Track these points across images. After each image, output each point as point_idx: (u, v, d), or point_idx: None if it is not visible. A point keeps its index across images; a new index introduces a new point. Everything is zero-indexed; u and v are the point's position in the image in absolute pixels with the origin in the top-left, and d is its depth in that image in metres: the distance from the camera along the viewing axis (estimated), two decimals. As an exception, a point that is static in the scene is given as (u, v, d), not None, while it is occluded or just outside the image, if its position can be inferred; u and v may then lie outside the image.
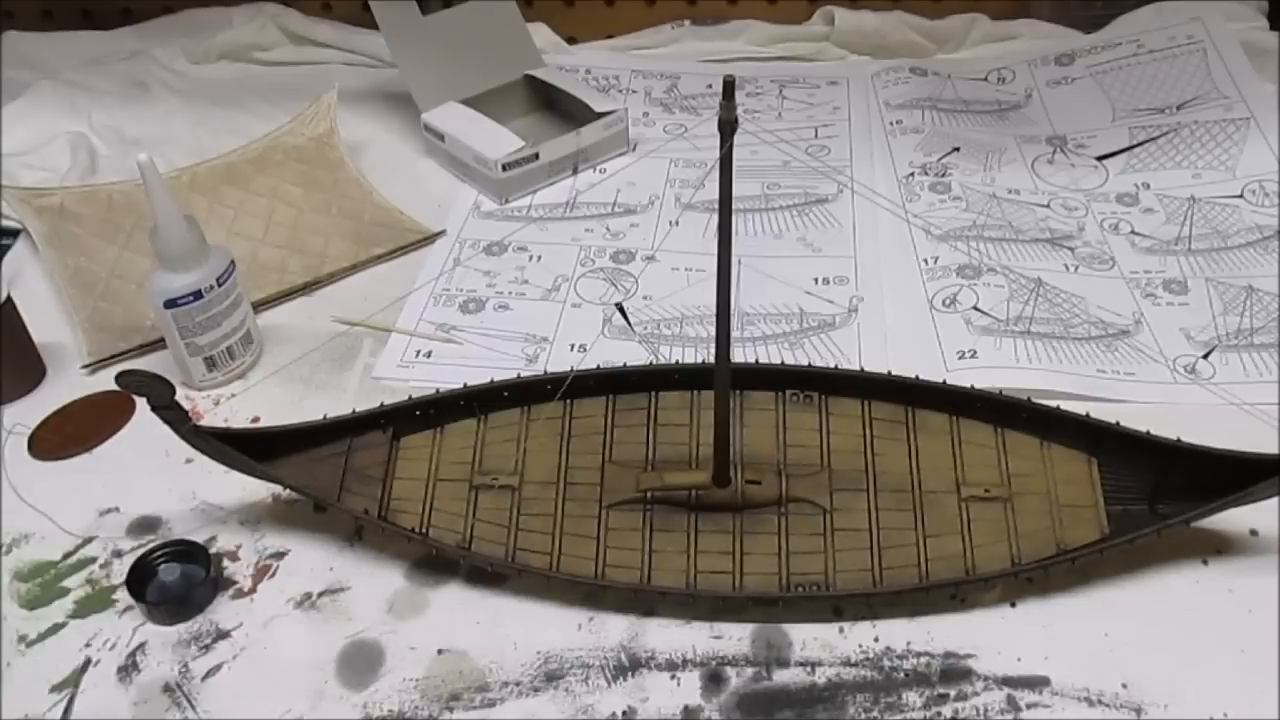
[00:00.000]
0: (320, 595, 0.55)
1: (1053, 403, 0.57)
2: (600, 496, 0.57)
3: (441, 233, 0.83)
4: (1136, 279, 0.75)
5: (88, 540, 0.59)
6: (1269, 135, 0.86)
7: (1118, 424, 0.56)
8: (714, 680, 0.50)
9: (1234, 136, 0.87)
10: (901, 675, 0.50)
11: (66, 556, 0.58)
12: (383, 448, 0.58)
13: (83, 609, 0.55)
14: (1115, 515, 0.55)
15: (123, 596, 0.55)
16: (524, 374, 0.61)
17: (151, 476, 0.62)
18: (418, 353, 0.71)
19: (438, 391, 0.60)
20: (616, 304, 0.75)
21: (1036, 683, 0.50)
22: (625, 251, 0.80)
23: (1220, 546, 0.55)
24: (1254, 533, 0.56)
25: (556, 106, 0.96)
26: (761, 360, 0.68)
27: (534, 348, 0.71)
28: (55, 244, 0.79)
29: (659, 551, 0.55)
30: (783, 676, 0.50)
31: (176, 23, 1.15)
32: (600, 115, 0.89)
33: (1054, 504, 0.55)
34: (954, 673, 0.50)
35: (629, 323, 0.73)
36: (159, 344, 0.71)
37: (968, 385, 0.59)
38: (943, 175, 0.87)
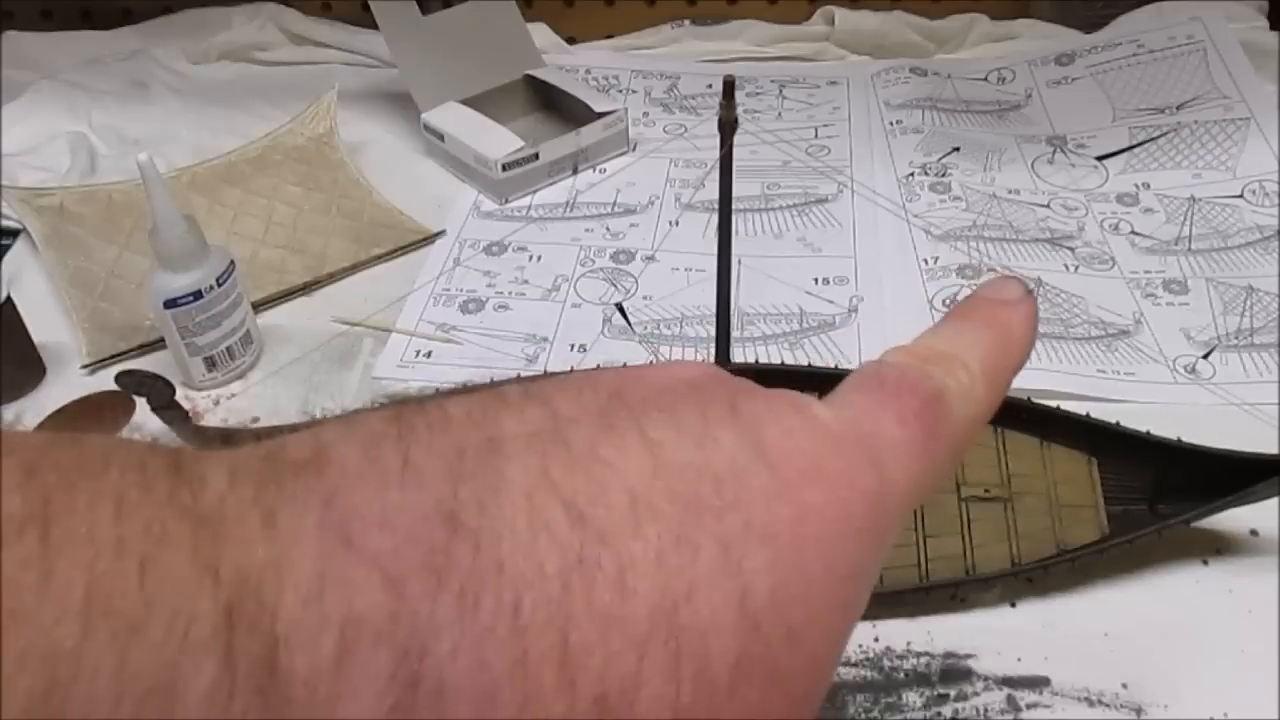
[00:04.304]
0: (320, 595, 0.55)
1: (1053, 403, 0.57)
2: (600, 496, 0.56)
3: (441, 233, 0.83)
4: (1136, 279, 0.75)
5: (88, 540, 0.58)
6: (1269, 135, 0.86)
7: (1118, 424, 0.56)
8: (714, 680, 0.50)
9: (1234, 136, 0.87)
10: (901, 675, 0.50)
11: (66, 556, 0.58)
12: (383, 448, 0.58)
13: (83, 609, 0.55)
14: (1115, 515, 0.55)
15: (123, 596, 0.55)
16: (524, 374, 0.61)
17: (151, 476, 0.62)
18: (418, 353, 0.71)
19: (438, 392, 0.59)
20: (616, 304, 0.75)
21: (1036, 683, 0.50)
22: (625, 251, 0.80)
23: (1220, 546, 0.55)
24: (1254, 533, 0.56)
25: (556, 106, 0.96)
26: (761, 360, 0.68)
27: (534, 348, 0.71)
28: (55, 244, 0.79)
29: (659, 551, 0.54)
30: (783, 676, 0.50)
31: (176, 23, 1.15)
32: (600, 115, 0.89)
33: (1054, 504, 0.55)
34: (954, 673, 0.50)
35: (629, 323, 0.73)
36: (159, 344, 0.70)
37: (968, 385, 0.58)
38: (943, 175, 0.87)
